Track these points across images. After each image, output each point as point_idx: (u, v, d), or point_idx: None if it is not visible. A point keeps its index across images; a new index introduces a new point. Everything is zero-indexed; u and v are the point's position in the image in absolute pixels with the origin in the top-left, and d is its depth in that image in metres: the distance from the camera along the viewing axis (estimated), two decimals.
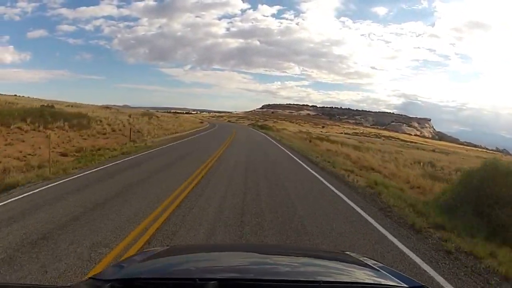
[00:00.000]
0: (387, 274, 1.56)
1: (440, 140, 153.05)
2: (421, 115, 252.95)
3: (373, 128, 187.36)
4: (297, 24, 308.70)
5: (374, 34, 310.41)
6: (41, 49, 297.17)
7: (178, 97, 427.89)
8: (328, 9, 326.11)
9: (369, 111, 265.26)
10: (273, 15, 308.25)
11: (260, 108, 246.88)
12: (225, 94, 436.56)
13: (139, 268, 1.61)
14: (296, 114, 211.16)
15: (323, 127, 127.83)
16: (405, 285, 1.42)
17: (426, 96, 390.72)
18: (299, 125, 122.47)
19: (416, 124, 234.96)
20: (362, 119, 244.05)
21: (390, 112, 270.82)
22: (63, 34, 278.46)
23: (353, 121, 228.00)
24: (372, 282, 1.50)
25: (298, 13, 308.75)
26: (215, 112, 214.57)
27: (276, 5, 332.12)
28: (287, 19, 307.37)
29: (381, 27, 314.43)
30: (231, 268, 1.63)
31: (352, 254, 2.10)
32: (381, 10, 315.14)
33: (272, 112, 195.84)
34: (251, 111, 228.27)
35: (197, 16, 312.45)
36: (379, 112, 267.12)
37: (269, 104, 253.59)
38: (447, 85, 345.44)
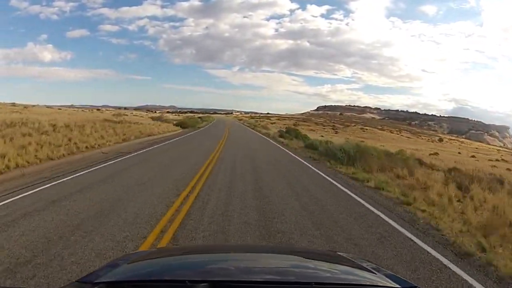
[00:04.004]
0: (380, 275, 1.53)
1: None
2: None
3: (460, 137, 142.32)
4: (346, 24, 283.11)
5: (424, 35, 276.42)
6: (82, 48, 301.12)
7: (226, 99, 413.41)
8: (378, 8, 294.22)
9: (441, 116, 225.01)
10: (322, 15, 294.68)
11: (315, 110, 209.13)
12: (274, 96, 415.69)
13: (127, 270, 1.54)
14: (359, 117, 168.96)
15: (440, 140, 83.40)
16: (398, 286, 1.39)
17: (476, 101, 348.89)
18: (403, 136, 79.50)
19: (496, 133, 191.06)
20: (436, 125, 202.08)
21: (465, 118, 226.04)
22: (105, 34, 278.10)
23: (427, 127, 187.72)
24: (364, 283, 1.47)
25: (347, 13, 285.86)
26: (262, 114, 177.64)
27: (325, 4, 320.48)
28: (336, 19, 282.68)
29: (431, 27, 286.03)
30: (221, 270, 1.58)
31: (344, 255, 2.04)
32: (430, 9, 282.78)
33: (340, 114, 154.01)
34: (305, 113, 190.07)
35: (244, 17, 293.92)
36: (452, 117, 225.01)
37: (325, 106, 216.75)
38: (495, 89, 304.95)
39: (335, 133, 64.90)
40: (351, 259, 1.89)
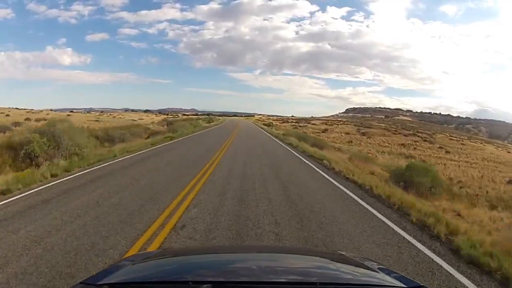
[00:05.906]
0: (385, 274, 1.52)
1: None
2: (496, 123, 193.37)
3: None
4: (367, 26, 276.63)
5: (444, 36, 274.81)
6: (102, 52, 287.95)
7: (248, 102, 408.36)
8: (398, 9, 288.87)
9: (477, 119, 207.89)
10: (342, 17, 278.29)
11: (344, 112, 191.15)
12: (296, 99, 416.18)
13: (131, 272, 1.55)
14: (397, 120, 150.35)
15: None
16: (404, 285, 1.38)
17: (496, 103, 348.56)
18: (487, 146, 60.58)
19: None
20: (474, 129, 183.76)
21: (500, 121, 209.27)
22: (125, 37, 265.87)
23: (474, 132, 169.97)
24: (369, 282, 1.46)
25: (367, 15, 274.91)
26: (288, 117, 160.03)
27: (344, 6, 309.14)
28: (357, 21, 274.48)
29: (451, 28, 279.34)
30: (225, 271, 1.57)
31: (347, 255, 2.04)
32: (450, 9, 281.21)
33: (386, 117, 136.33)
34: (333, 115, 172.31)
35: (264, 19, 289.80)
36: (489, 120, 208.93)
37: (354, 108, 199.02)
38: None
39: (446, 152, 46.13)
40: (356, 259, 1.86)
